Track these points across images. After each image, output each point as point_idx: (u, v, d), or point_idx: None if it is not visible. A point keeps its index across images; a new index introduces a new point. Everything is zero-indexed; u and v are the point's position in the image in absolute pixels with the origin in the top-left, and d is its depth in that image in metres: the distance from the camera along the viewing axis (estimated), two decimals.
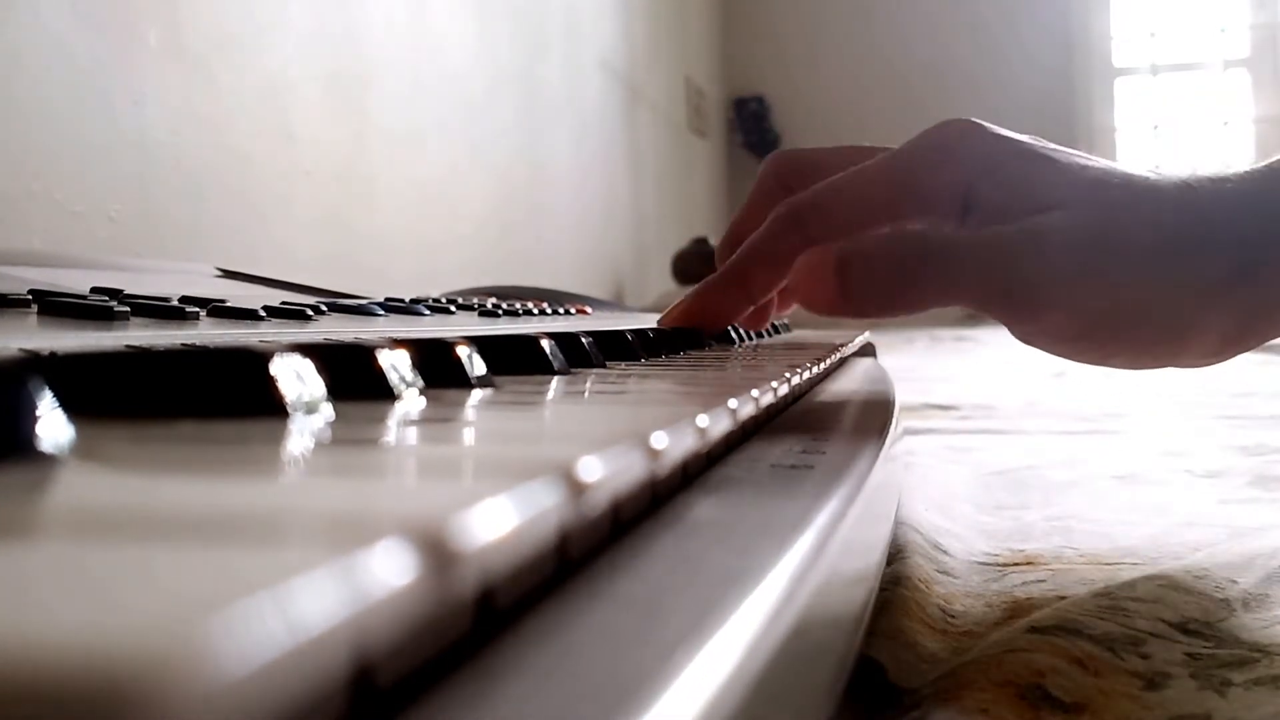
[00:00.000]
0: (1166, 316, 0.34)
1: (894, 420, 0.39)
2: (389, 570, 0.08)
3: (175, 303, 0.36)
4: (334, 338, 0.28)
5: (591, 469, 0.13)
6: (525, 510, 0.11)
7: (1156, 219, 0.34)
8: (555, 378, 0.30)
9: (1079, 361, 0.37)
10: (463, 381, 0.26)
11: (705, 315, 0.42)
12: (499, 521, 0.10)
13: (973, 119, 0.37)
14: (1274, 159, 0.35)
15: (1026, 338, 0.36)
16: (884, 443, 0.30)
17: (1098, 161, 0.36)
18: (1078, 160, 0.35)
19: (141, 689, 0.06)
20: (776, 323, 0.81)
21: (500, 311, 0.61)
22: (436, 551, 0.09)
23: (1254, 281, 0.34)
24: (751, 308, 0.41)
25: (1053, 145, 0.36)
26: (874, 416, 0.37)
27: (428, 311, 0.53)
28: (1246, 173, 0.35)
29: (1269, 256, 0.34)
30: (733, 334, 0.60)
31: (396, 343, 0.24)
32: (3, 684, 0.06)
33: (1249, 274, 0.34)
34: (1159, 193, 0.34)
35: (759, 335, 0.67)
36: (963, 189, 0.35)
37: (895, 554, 0.37)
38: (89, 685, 0.06)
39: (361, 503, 0.12)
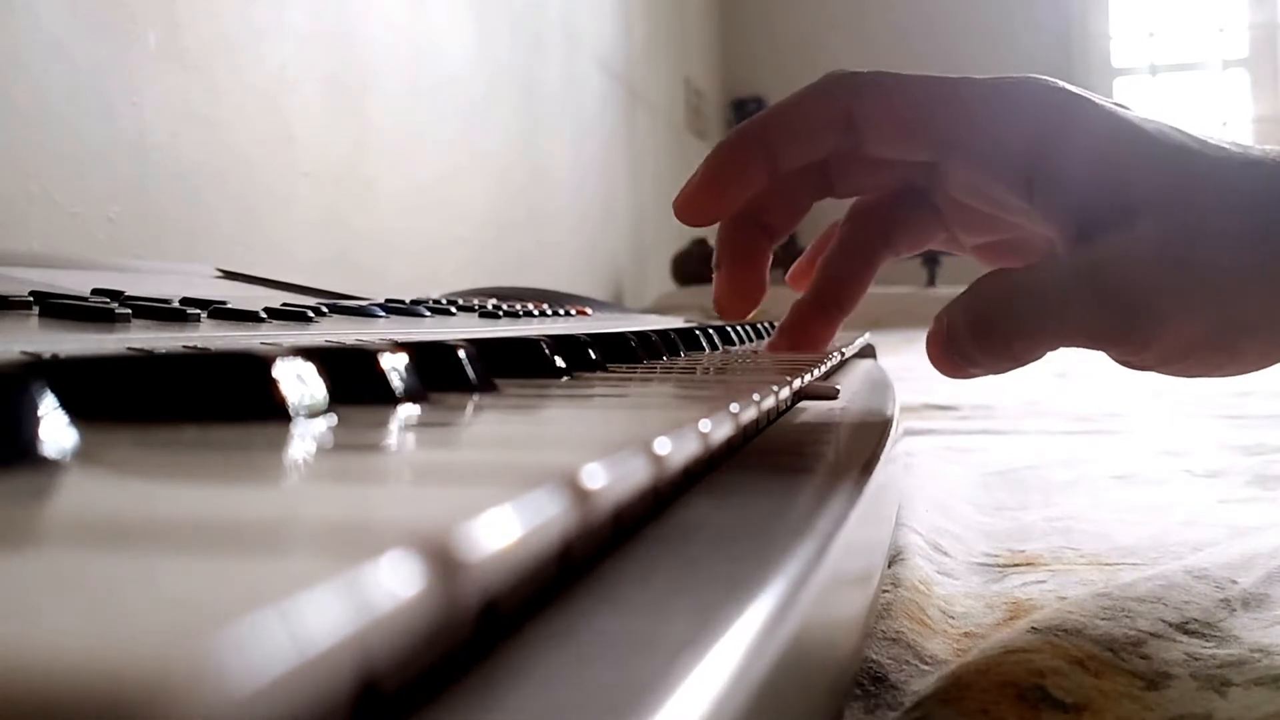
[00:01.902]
0: (1274, 323, 0.31)
1: (894, 421, 0.39)
2: (395, 582, 0.08)
3: (176, 305, 0.36)
4: (335, 340, 0.28)
5: (595, 476, 0.13)
6: (529, 519, 0.11)
7: (1250, 210, 0.30)
8: (557, 381, 0.30)
9: (1187, 377, 0.34)
10: (464, 385, 0.26)
11: (711, 177, 0.35)
12: (504, 531, 0.10)
13: (1053, 81, 0.33)
14: None
15: (1131, 366, 0.33)
16: (885, 444, 0.30)
17: (1168, 132, 0.32)
18: (1155, 139, 0.32)
19: (147, 705, 0.06)
20: (776, 324, 0.81)
21: (501, 313, 0.61)
22: (442, 562, 0.09)
23: None
24: (765, 178, 0.35)
25: (1126, 113, 0.32)
26: (874, 419, 0.37)
27: (428, 313, 0.53)
28: None
29: None
30: (733, 335, 0.60)
31: (398, 346, 0.24)
32: (5, 698, 0.06)
33: None
34: (1243, 177, 0.31)
35: (758, 336, 0.67)
36: (1027, 159, 0.32)
37: (896, 555, 0.37)
38: (94, 701, 0.06)
39: (366, 512, 0.12)
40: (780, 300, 0.40)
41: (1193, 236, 0.30)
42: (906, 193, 0.38)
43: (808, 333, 0.39)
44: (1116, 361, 0.33)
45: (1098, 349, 0.32)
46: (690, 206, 0.36)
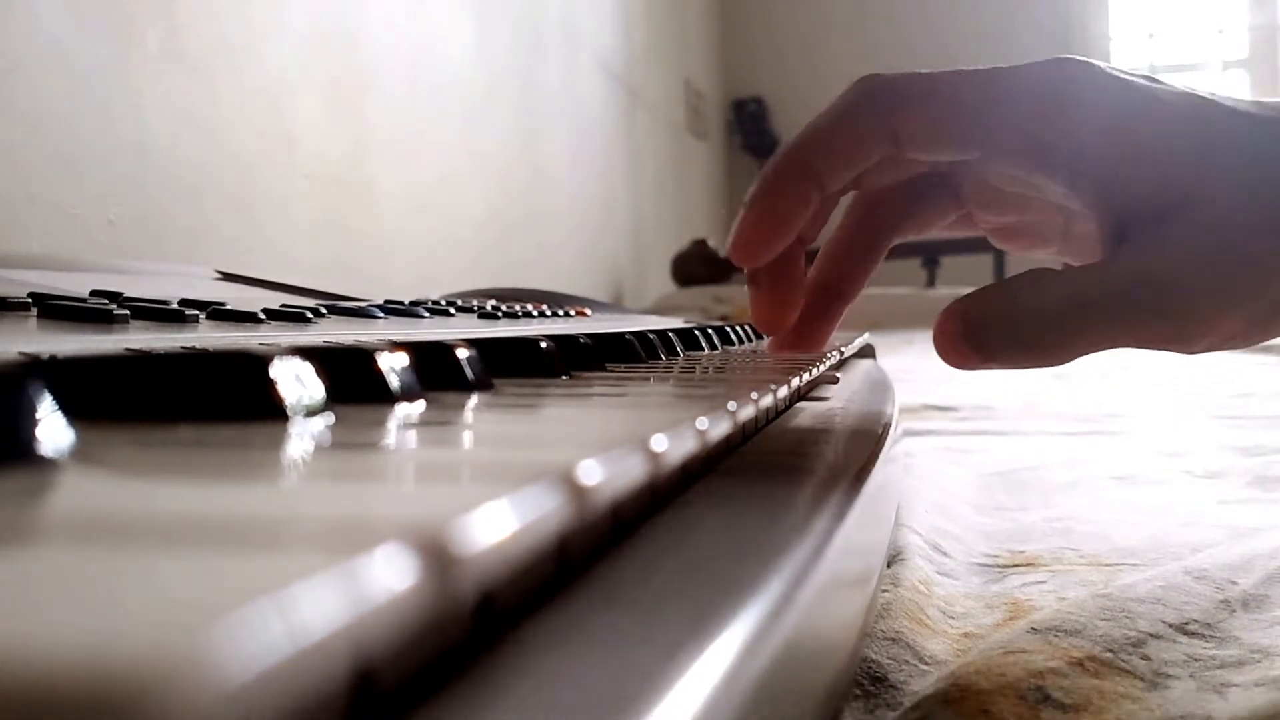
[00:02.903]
0: None
1: (893, 422, 0.39)
2: (390, 575, 0.08)
3: (175, 306, 0.36)
4: (334, 340, 0.28)
5: (591, 472, 0.13)
6: (525, 514, 0.11)
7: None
8: (555, 380, 0.30)
9: (1247, 347, 0.34)
10: (463, 384, 0.26)
11: (764, 216, 0.34)
12: (499, 525, 0.10)
13: (1086, 61, 0.33)
14: None
15: (1189, 353, 0.33)
16: (884, 445, 0.30)
17: (1206, 113, 0.32)
18: (1193, 129, 0.31)
19: (144, 695, 0.06)
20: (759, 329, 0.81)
21: (500, 314, 0.62)
22: (437, 556, 0.09)
23: None
24: (817, 203, 0.34)
25: (1162, 94, 0.32)
26: (873, 419, 0.37)
27: (427, 314, 0.53)
28: None
29: None
30: (732, 335, 0.60)
31: (396, 345, 0.24)
32: (4, 691, 0.06)
33: None
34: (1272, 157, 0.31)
35: (758, 336, 0.67)
36: (1066, 154, 0.32)
37: (895, 555, 0.37)
38: (91, 692, 0.06)
39: (362, 507, 0.12)
40: None
41: (1231, 232, 0.30)
42: (920, 178, 0.37)
43: (811, 325, 0.38)
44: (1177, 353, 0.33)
45: (1144, 348, 0.32)
46: (747, 249, 0.35)
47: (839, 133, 0.33)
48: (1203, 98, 0.32)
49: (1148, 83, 0.32)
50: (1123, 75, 0.32)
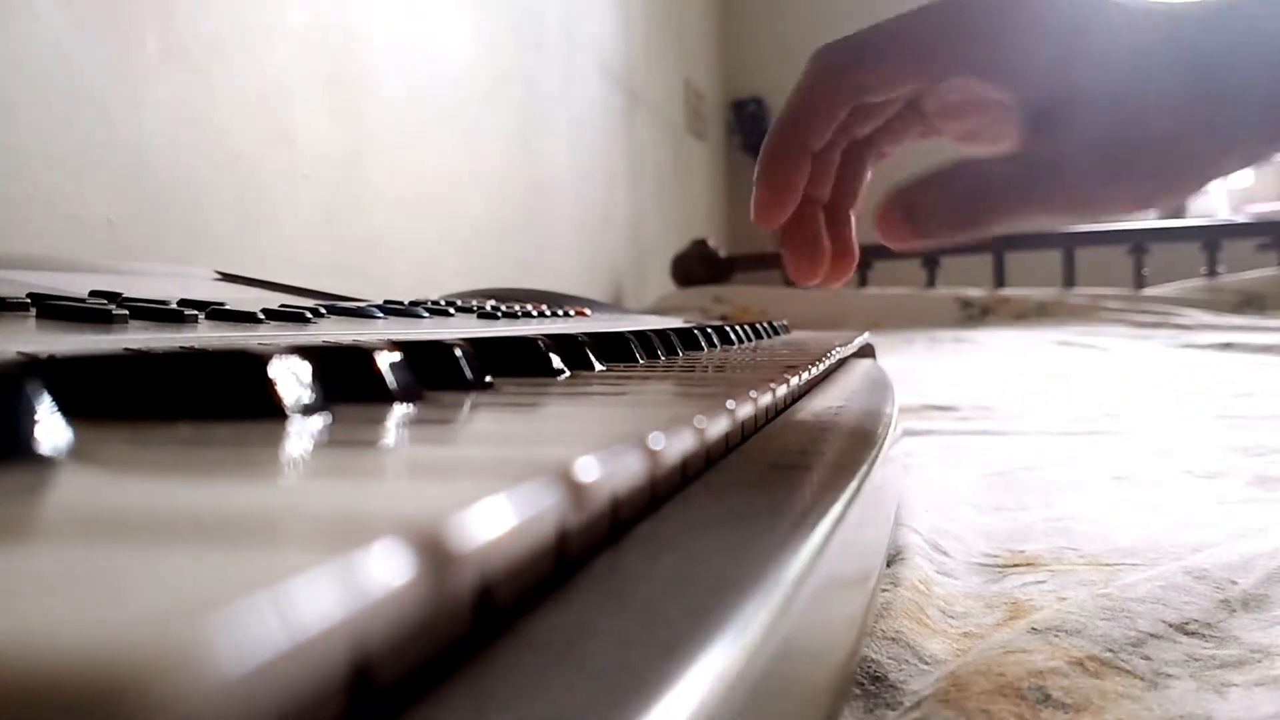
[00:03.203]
0: (1201, 162, 0.37)
1: (893, 421, 0.39)
2: (386, 570, 0.08)
3: (174, 306, 0.36)
4: (332, 340, 0.28)
5: (589, 469, 0.13)
6: (523, 510, 0.11)
7: (1177, 74, 0.36)
8: (554, 379, 0.30)
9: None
10: (461, 383, 0.26)
11: (775, 182, 0.41)
12: (497, 521, 0.10)
13: None
14: None
15: (1087, 220, 0.40)
16: (884, 444, 0.30)
17: (1112, 21, 0.37)
18: (1098, 35, 0.37)
19: (140, 689, 0.06)
20: (775, 324, 0.81)
21: (499, 314, 0.61)
22: (434, 551, 0.09)
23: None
24: (810, 161, 0.41)
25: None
26: (872, 419, 0.37)
27: (426, 314, 0.53)
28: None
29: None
30: (731, 335, 0.60)
31: (395, 345, 0.24)
32: (3, 685, 0.06)
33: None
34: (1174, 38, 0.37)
35: (757, 336, 0.67)
36: (987, 57, 0.38)
37: (895, 555, 0.37)
38: (89, 685, 0.06)
39: (359, 504, 0.12)
40: (779, 301, 0.41)
41: (1115, 122, 0.37)
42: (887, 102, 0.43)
43: (834, 241, 0.44)
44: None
45: (1050, 217, 0.39)
46: (763, 213, 0.41)
47: (810, 101, 0.40)
48: (1116, 6, 0.38)
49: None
50: None
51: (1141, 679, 0.26)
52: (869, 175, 0.45)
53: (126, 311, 0.32)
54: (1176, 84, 0.37)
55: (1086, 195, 0.37)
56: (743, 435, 0.27)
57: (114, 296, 0.39)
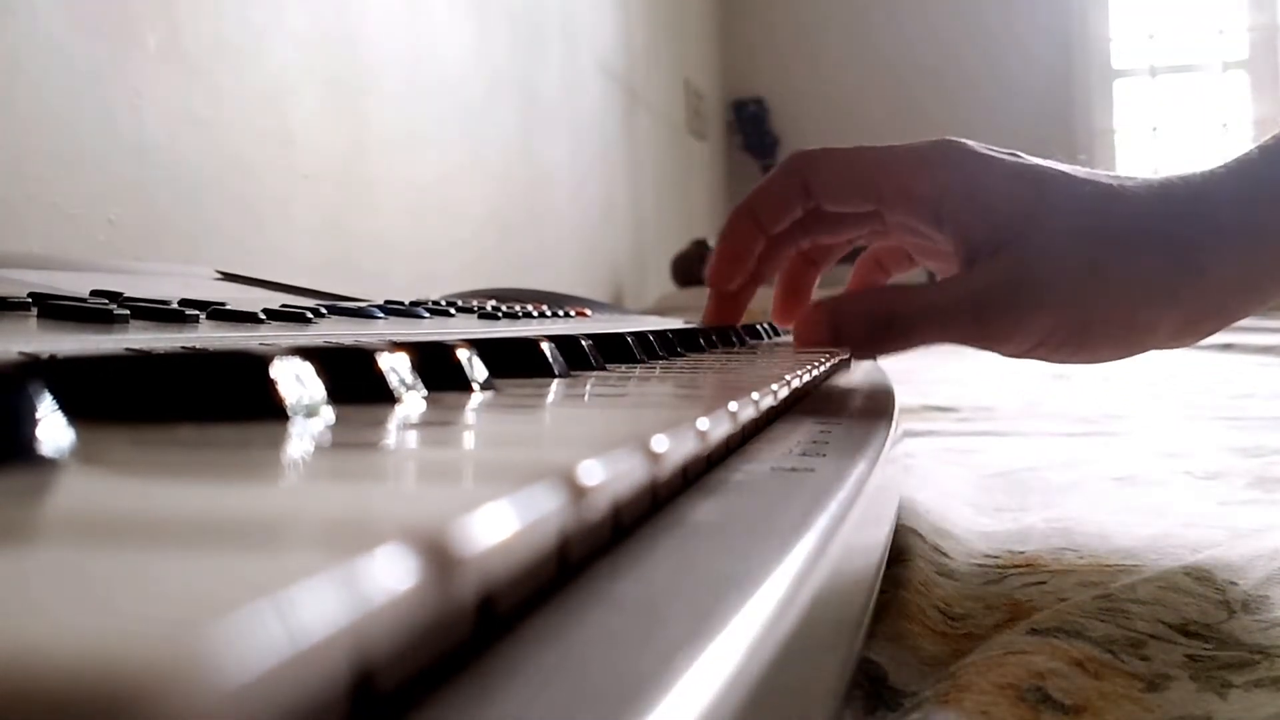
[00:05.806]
0: (1122, 319, 0.41)
1: (894, 422, 0.39)
2: (390, 576, 0.08)
3: (175, 306, 0.36)
4: (334, 340, 0.28)
5: (592, 473, 0.13)
6: (526, 515, 0.11)
7: (1102, 231, 0.40)
8: (555, 380, 0.30)
9: (1063, 364, 0.45)
10: (463, 384, 0.26)
11: (726, 252, 0.48)
12: (500, 526, 0.10)
13: (959, 141, 0.43)
14: (1218, 166, 0.41)
15: (1004, 355, 0.43)
16: (884, 445, 0.30)
17: (1036, 173, 0.42)
18: (1025, 183, 0.41)
19: (142, 696, 0.06)
20: (776, 325, 0.81)
21: (500, 314, 0.61)
22: (438, 556, 0.09)
23: (1198, 278, 0.40)
24: (763, 241, 0.47)
25: (1014, 163, 0.43)
26: (874, 420, 0.37)
27: (427, 314, 0.53)
28: (1194, 174, 0.42)
29: (1205, 256, 0.40)
30: (732, 335, 0.60)
31: (396, 345, 0.24)
32: (3, 691, 0.06)
33: (1191, 271, 0.40)
34: (1113, 201, 0.41)
35: (757, 337, 0.67)
36: (934, 203, 0.43)
37: (895, 556, 0.37)
38: (89, 692, 0.06)
39: (362, 507, 0.12)
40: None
41: (1033, 267, 0.40)
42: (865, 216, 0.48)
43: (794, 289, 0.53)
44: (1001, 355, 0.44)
45: (968, 346, 0.43)
46: (718, 274, 0.49)
47: (770, 190, 0.46)
48: (1041, 166, 0.42)
49: (1004, 155, 0.43)
50: (985, 151, 0.43)
51: (1141, 679, 0.26)
52: (826, 270, 0.52)
53: (127, 311, 0.32)
54: (1139, 263, 0.40)
55: (999, 328, 0.41)
56: (743, 436, 0.27)
57: (115, 296, 0.39)
